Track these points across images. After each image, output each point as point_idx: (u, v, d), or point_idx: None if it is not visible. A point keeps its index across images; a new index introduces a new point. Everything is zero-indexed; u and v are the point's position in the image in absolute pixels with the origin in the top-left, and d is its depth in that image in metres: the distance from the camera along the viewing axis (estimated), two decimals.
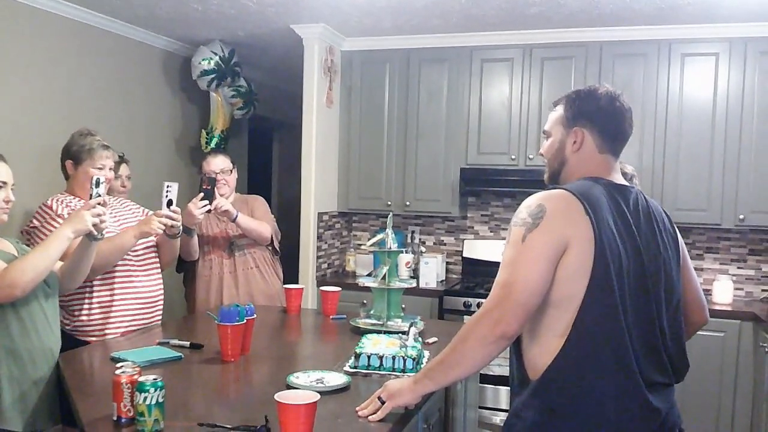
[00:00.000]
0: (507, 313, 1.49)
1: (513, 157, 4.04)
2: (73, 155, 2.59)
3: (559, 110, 1.71)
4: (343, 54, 4.36)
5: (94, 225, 2.16)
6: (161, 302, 2.74)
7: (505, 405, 3.81)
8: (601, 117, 1.65)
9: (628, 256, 1.53)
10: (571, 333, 1.49)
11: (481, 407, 3.69)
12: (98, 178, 2.25)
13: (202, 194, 2.87)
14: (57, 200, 2.55)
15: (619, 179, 1.67)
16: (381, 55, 4.28)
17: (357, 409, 1.72)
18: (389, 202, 4.28)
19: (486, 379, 3.75)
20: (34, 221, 2.52)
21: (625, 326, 1.50)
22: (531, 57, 4.01)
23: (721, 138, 3.73)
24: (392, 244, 2.67)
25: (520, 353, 1.61)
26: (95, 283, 2.53)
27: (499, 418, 3.81)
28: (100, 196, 2.22)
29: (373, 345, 2.17)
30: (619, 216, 1.56)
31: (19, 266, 1.98)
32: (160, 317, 2.75)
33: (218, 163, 3.23)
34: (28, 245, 2.51)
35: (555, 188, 1.60)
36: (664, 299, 1.60)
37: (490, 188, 4.26)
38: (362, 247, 4.59)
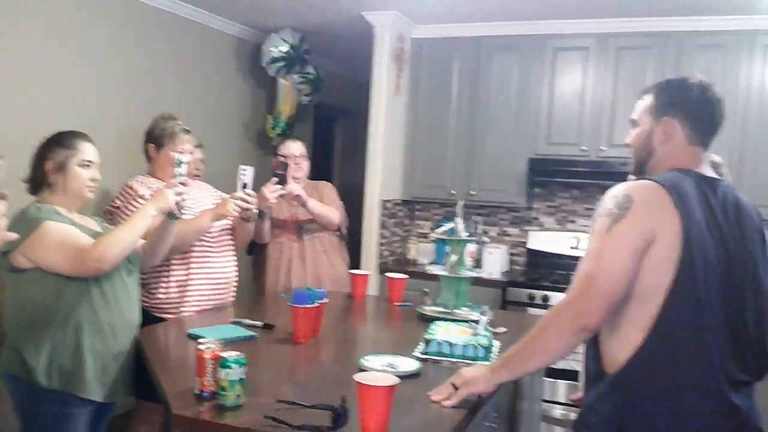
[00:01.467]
0: (589, 305, 1.47)
1: (584, 148, 3.95)
2: (156, 138, 2.68)
3: (648, 99, 1.66)
4: (414, 41, 4.35)
5: (176, 203, 2.23)
6: (235, 283, 2.82)
7: (562, 398, 3.76)
8: (692, 107, 1.61)
9: (716, 250, 1.49)
10: (654, 327, 1.46)
11: (541, 400, 3.65)
12: (180, 159, 2.32)
13: (275, 179, 2.92)
14: (139, 181, 2.64)
15: (709, 172, 1.62)
16: (452, 43, 4.25)
17: (430, 393, 1.73)
18: (453, 191, 4.26)
19: (546, 372, 3.71)
20: (117, 201, 2.62)
21: (710, 322, 1.47)
22: (607, 46, 3.91)
23: None
24: (462, 232, 2.66)
25: (598, 346, 1.59)
26: (173, 262, 2.61)
27: (559, 412, 3.76)
28: (182, 175, 2.29)
29: (443, 332, 2.17)
30: (707, 210, 1.52)
31: (107, 241, 2.07)
32: (234, 297, 2.82)
33: (296, 148, 3.29)
34: (110, 224, 2.61)
35: (642, 179, 1.56)
36: (749, 296, 1.55)
37: (559, 179, 4.19)
38: (431, 233, 4.58)
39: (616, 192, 1.54)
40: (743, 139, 3.66)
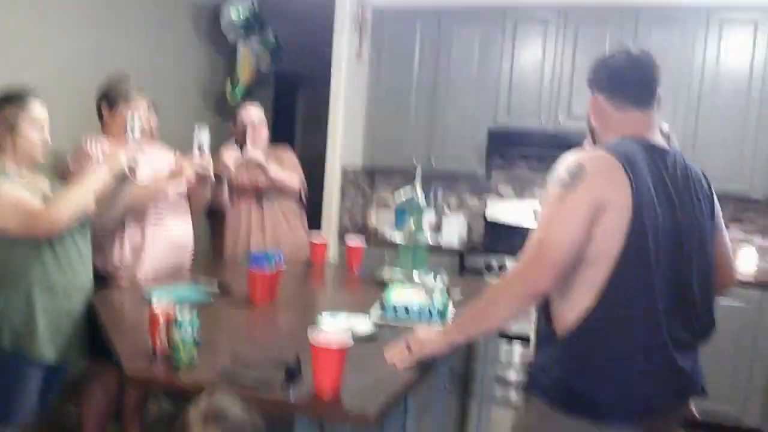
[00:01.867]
0: (539, 273, 1.51)
1: (543, 119, 4.01)
2: (109, 98, 2.61)
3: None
4: (374, 10, 4.31)
5: (129, 167, 2.19)
6: (191, 247, 2.80)
7: (518, 361, 3.85)
8: (614, 77, 1.64)
9: (665, 217, 1.54)
10: (604, 291, 1.50)
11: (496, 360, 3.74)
12: (134, 119, 2.27)
13: (234, 144, 2.89)
14: (92, 142, 2.58)
15: (657, 137, 1.66)
16: (412, 13, 4.22)
17: (385, 353, 1.76)
18: (414, 159, 4.27)
19: (501, 335, 3.79)
20: (70, 163, 2.56)
21: (658, 286, 1.52)
22: (566, 19, 3.94)
23: (756, 109, 3.67)
24: (421, 199, 2.68)
25: (549, 309, 1.63)
26: (128, 225, 2.58)
27: (513, 374, 3.86)
28: (136, 138, 2.25)
29: (399, 295, 2.20)
30: (657, 178, 1.56)
31: (58, 203, 2.02)
32: (190, 262, 2.80)
33: (256, 113, 3.24)
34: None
35: (595, 148, 1.60)
36: (695, 261, 1.61)
37: (518, 150, 4.24)
38: (390, 201, 4.60)
39: (568, 161, 1.56)
40: (697, 113, 3.75)
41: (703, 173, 1.72)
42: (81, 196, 2.07)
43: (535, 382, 1.63)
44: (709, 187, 1.71)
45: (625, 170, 1.50)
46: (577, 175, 1.52)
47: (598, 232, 1.49)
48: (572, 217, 1.50)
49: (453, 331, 1.72)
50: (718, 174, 3.66)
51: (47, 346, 2.09)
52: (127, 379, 1.62)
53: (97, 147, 2.56)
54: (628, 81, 1.64)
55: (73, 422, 2.96)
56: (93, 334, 2.29)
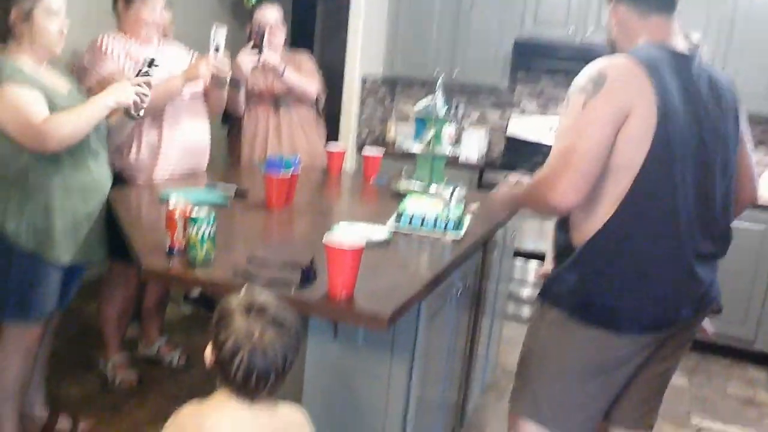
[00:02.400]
0: (565, 184, 1.47)
1: (571, 30, 3.85)
2: None
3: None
4: None
5: (135, 103, 2.15)
6: (207, 150, 2.78)
7: (532, 279, 3.89)
8: None
9: (690, 126, 1.51)
10: (625, 198, 1.49)
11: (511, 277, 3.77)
12: (153, 59, 2.22)
13: (251, 45, 2.81)
14: (108, 38, 2.52)
15: (681, 44, 1.60)
16: None
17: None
18: (436, 70, 4.16)
19: (517, 252, 3.81)
20: (84, 60, 2.51)
21: (681, 195, 1.50)
22: None
23: None
24: (441, 109, 2.62)
25: (567, 221, 1.62)
26: (145, 125, 2.55)
27: (526, 292, 3.91)
28: (149, 75, 2.19)
29: (415, 205, 2.18)
30: (682, 84, 1.52)
31: (58, 122, 1.97)
32: (206, 165, 2.79)
33: (272, 14, 3.12)
34: (79, 83, 2.52)
35: (617, 55, 1.55)
36: (719, 172, 1.58)
37: (544, 64, 4.10)
38: (413, 110, 4.50)
39: (590, 69, 1.53)
40: (730, 35, 3.58)
41: (730, 83, 1.66)
42: (81, 120, 2.02)
43: (552, 292, 1.65)
44: (735, 99, 1.65)
45: (649, 76, 1.46)
46: (599, 82, 1.48)
47: (622, 140, 1.47)
48: (597, 124, 1.46)
49: (513, 201, 1.83)
50: (746, 92, 3.58)
51: (65, 248, 2.09)
52: (145, 275, 1.64)
53: (113, 44, 2.51)
54: None
55: (93, 321, 3.06)
56: (112, 234, 2.32)
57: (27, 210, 2.01)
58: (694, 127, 1.51)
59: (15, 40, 2.02)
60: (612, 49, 1.66)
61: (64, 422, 2.38)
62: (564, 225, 1.64)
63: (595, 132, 1.46)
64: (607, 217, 1.51)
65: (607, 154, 1.47)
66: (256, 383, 1.18)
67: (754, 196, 1.77)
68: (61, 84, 2.14)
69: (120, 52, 2.50)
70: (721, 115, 1.58)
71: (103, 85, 2.37)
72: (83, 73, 2.49)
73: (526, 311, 3.92)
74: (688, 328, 1.70)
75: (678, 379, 2.87)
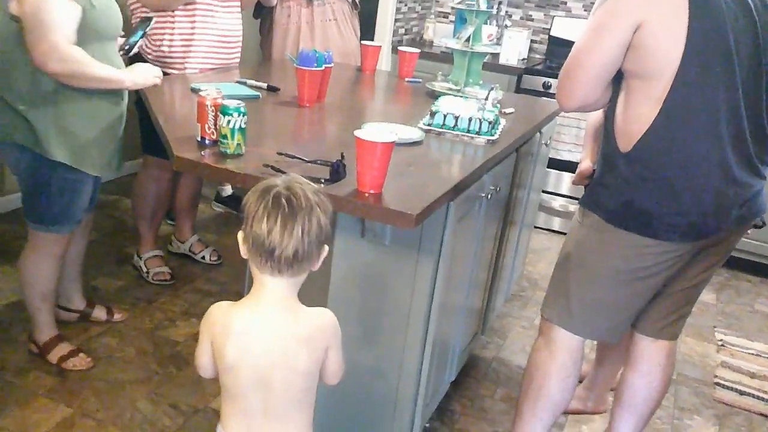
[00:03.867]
0: (574, 86, 1.55)
1: None
2: None
3: None
4: None
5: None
6: (239, 43, 2.72)
7: (565, 191, 3.84)
8: None
9: (739, 29, 1.43)
10: (664, 105, 1.45)
11: (542, 191, 3.73)
12: (150, 18, 2.19)
13: None
14: None
15: None
16: None
17: None
18: None
19: (552, 163, 3.74)
20: None
21: (724, 96, 1.44)
22: None
23: None
24: (482, 2, 2.49)
25: (612, 125, 1.57)
26: (177, 15, 2.50)
27: (558, 203, 3.87)
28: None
29: (449, 105, 2.13)
30: None
31: (76, 57, 1.87)
32: (238, 59, 2.75)
33: None
34: None
35: None
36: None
37: None
38: (449, 8, 4.34)
39: None
40: None
41: None
42: (93, 76, 1.92)
43: (593, 197, 1.66)
44: None
45: None
46: None
47: (647, 42, 1.43)
48: (612, 31, 1.46)
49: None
50: None
51: (98, 159, 2.08)
52: (177, 165, 1.65)
53: None
54: None
55: (128, 217, 3.14)
56: (145, 128, 2.30)
57: (63, 125, 1.97)
58: (747, 30, 1.43)
59: None
60: None
61: (99, 312, 2.49)
62: (609, 129, 1.59)
63: (607, 38, 1.47)
64: (649, 122, 1.47)
65: (616, 63, 1.48)
66: (279, 263, 1.17)
67: None
68: None
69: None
70: None
71: None
72: None
73: (556, 223, 3.89)
74: (725, 241, 1.67)
75: (705, 294, 2.86)
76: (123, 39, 2.20)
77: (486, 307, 2.41)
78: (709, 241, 1.61)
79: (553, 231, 3.88)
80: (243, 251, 1.22)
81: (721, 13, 1.41)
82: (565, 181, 3.82)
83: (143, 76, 2.09)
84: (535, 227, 3.60)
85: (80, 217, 2.15)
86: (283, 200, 1.15)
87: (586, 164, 1.89)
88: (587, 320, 1.72)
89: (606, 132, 1.61)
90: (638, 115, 1.49)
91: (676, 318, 1.82)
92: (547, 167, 3.68)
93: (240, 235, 1.21)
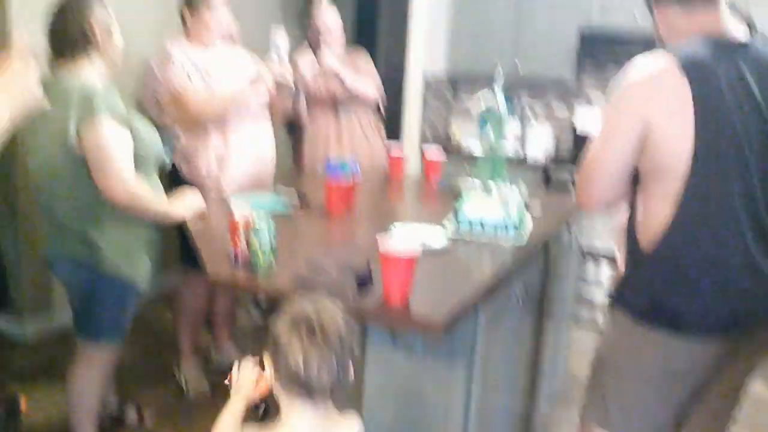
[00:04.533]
0: (591, 189, 1.58)
1: (639, 17, 3.70)
2: (190, 2, 2.62)
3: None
4: None
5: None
6: (273, 157, 2.84)
7: (605, 280, 3.78)
8: None
9: (743, 114, 1.44)
10: (680, 201, 1.45)
11: (580, 279, 3.69)
12: (275, 29, 2.47)
13: (310, 50, 2.85)
14: (174, 45, 2.62)
15: (733, 32, 1.52)
16: None
17: None
18: (499, 64, 4.09)
19: (588, 253, 3.71)
20: (154, 67, 2.61)
21: (739, 191, 1.44)
22: None
23: None
24: (501, 105, 2.57)
25: (634, 223, 1.58)
26: (212, 135, 2.64)
27: (599, 293, 3.80)
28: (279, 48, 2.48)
29: (475, 207, 2.16)
30: (735, 76, 1.45)
31: (138, 193, 1.97)
32: (272, 171, 2.86)
33: (331, 18, 3.16)
34: (147, 91, 2.59)
35: (658, 52, 1.50)
36: None
37: (611, 53, 3.97)
38: (471, 110, 4.47)
39: (622, 74, 1.52)
40: None
41: None
42: (149, 208, 2.02)
43: (620, 296, 1.64)
44: None
45: (685, 73, 1.42)
46: (629, 86, 1.49)
47: (658, 141, 1.45)
48: (620, 133, 1.49)
49: None
50: None
51: (145, 271, 2.14)
52: (212, 282, 1.70)
53: (179, 51, 2.60)
54: None
55: (168, 330, 3.18)
56: (185, 243, 2.38)
57: (119, 241, 2.05)
58: (752, 120, 1.44)
59: (86, 54, 1.95)
60: (662, 46, 1.61)
61: (131, 414, 2.52)
62: (630, 229, 1.60)
63: (616, 140, 1.50)
64: (667, 220, 1.48)
65: (630, 160, 1.49)
66: (313, 392, 1.19)
67: None
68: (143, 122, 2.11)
69: (185, 59, 2.59)
70: None
71: (174, 98, 2.47)
72: (152, 80, 2.59)
73: (600, 316, 3.81)
74: (763, 333, 1.61)
75: (761, 388, 2.71)
76: None
77: (529, 411, 2.34)
78: (744, 336, 1.56)
79: (598, 326, 3.78)
80: (271, 376, 1.23)
81: (726, 104, 1.43)
82: (603, 271, 3.77)
83: (192, 209, 2.15)
84: (579, 322, 3.52)
85: (127, 328, 2.20)
86: (317, 331, 1.17)
87: (622, 269, 1.88)
88: (626, 422, 1.66)
89: (628, 231, 1.61)
90: (656, 214, 1.50)
91: (724, 420, 1.74)
92: (584, 256, 3.66)
93: (267, 358, 1.23)
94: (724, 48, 1.48)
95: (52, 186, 2.02)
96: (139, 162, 2.01)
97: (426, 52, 4.08)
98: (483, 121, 2.68)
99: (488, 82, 4.30)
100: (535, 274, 2.15)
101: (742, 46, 1.50)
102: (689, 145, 1.42)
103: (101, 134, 1.89)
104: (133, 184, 1.95)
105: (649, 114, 1.44)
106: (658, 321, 1.53)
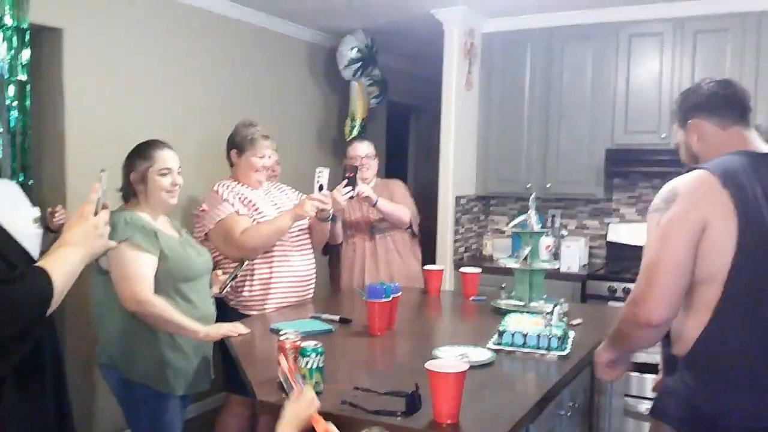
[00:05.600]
0: (654, 299, 1.50)
1: (663, 135, 3.83)
2: (237, 144, 2.82)
3: (675, 118, 1.75)
4: (484, 36, 4.34)
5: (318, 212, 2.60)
6: (314, 280, 2.92)
7: (649, 393, 3.65)
8: (709, 100, 1.66)
9: None
10: (717, 307, 1.48)
11: (626, 395, 3.58)
12: (319, 170, 2.66)
13: (345, 181, 3.00)
14: (223, 186, 2.79)
15: (763, 147, 1.63)
16: (522, 35, 4.22)
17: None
18: (529, 185, 4.23)
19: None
20: (204, 205, 2.77)
21: None
22: (683, 30, 3.78)
23: None
24: (535, 225, 2.65)
25: (669, 334, 1.60)
26: (256, 262, 2.74)
27: (645, 407, 3.66)
28: (322, 186, 2.68)
29: (516, 323, 2.18)
30: (764, 186, 1.51)
31: (153, 303, 2.18)
32: (312, 293, 2.93)
33: (363, 149, 3.37)
34: (198, 227, 2.77)
35: (692, 168, 1.59)
36: None
37: (638, 169, 4.08)
38: (503, 228, 4.57)
39: (663, 188, 1.59)
40: None
41: None
42: (167, 318, 2.19)
43: (660, 407, 1.64)
44: None
45: (724, 185, 1.49)
46: (671, 199, 1.54)
47: (705, 250, 1.49)
48: (674, 238, 1.51)
49: (608, 346, 1.75)
50: None
51: (179, 381, 2.27)
52: (260, 406, 1.72)
53: (228, 191, 2.76)
54: (726, 99, 1.65)
55: None
56: (228, 366, 2.44)
57: (144, 350, 2.21)
58: None
59: (135, 197, 2.31)
60: (694, 162, 1.69)
61: None
62: (666, 337, 1.61)
63: (674, 246, 1.50)
64: (703, 327, 1.50)
65: (690, 266, 1.49)
66: None
67: None
68: (174, 232, 2.38)
69: (234, 197, 2.74)
70: None
71: (221, 226, 2.62)
72: (203, 217, 2.74)
73: (646, 428, 3.66)
74: None
75: None
76: (224, 277, 2.53)
77: None
78: None
79: None
80: None
81: (762, 213, 1.48)
82: (647, 384, 3.65)
83: (219, 331, 2.27)
84: None
85: None
86: None
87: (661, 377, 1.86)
88: None
89: (665, 338, 1.62)
90: (692, 320, 1.52)
91: None
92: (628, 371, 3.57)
93: None
94: (755, 159, 1.56)
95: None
96: (171, 279, 2.25)
97: (456, 175, 4.23)
98: (518, 238, 2.76)
99: (519, 199, 4.46)
100: (582, 387, 2.12)
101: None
102: (730, 253, 1.46)
103: (120, 259, 2.17)
104: (145, 297, 2.16)
105: (702, 216, 1.48)
106: (701, 430, 1.52)
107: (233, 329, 2.28)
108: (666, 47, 3.83)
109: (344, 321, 2.49)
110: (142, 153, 2.29)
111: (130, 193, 2.31)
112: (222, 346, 2.38)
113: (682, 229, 1.50)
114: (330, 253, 3.47)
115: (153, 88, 3.48)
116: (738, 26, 3.63)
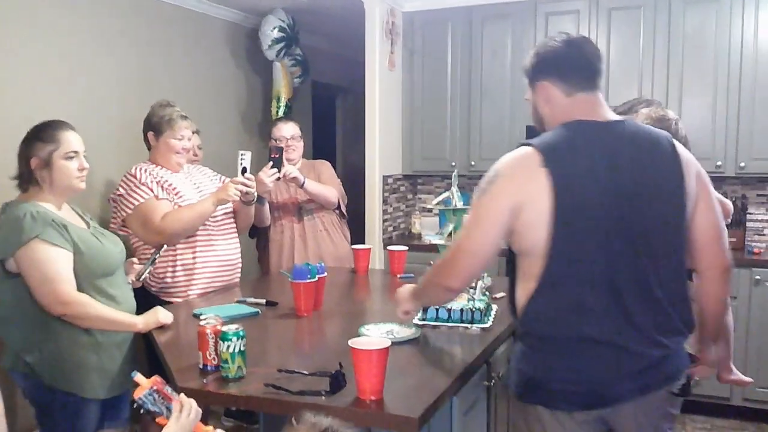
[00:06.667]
0: (451, 275, 1.67)
1: None
2: (154, 126, 2.72)
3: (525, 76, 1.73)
4: (405, 15, 4.34)
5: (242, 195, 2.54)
6: (239, 264, 2.88)
7: None
8: (558, 62, 1.64)
9: (607, 199, 1.52)
10: (541, 280, 1.54)
11: None
12: (242, 153, 2.60)
13: (271, 162, 2.96)
14: (140, 169, 2.69)
15: (606, 115, 1.62)
16: (442, 14, 4.24)
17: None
18: (453, 163, 4.28)
19: None
20: (120, 189, 2.67)
21: (598, 274, 1.51)
22: (598, 8, 3.89)
23: None
24: (458, 201, 2.69)
25: (514, 301, 1.66)
26: (179, 247, 2.67)
27: None
28: (245, 169, 2.63)
29: None
30: (602, 156, 1.54)
31: (79, 301, 2.06)
32: (238, 278, 2.89)
33: (288, 130, 3.32)
34: (114, 212, 2.67)
35: (523, 143, 1.61)
36: (659, 237, 1.56)
37: None
38: (428, 205, 4.62)
39: (491, 167, 1.61)
40: (738, 93, 3.63)
41: (668, 138, 1.63)
42: (97, 315, 2.09)
43: (507, 374, 1.74)
44: (680, 159, 1.61)
45: (545, 164, 1.51)
46: (492, 180, 1.58)
47: (521, 227, 1.54)
48: (485, 224, 1.58)
49: (413, 297, 1.96)
50: (764, 154, 3.62)
51: (97, 384, 2.12)
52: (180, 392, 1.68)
53: (146, 174, 2.66)
54: (573, 62, 1.63)
55: None
56: (152, 354, 2.36)
57: (57, 352, 2.06)
58: (615, 202, 1.52)
59: (37, 185, 2.10)
60: (540, 125, 1.71)
61: None
62: (510, 304, 1.69)
63: (479, 233, 1.59)
64: (531, 296, 1.56)
65: (495, 247, 1.59)
66: None
67: (721, 260, 1.67)
68: (81, 221, 2.22)
69: (153, 181, 2.65)
70: (661, 181, 1.57)
71: (139, 210, 2.52)
72: (119, 202, 2.64)
73: None
74: (638, 412, 1.59)
75: None
76: (140, 266, 2.40)
77: None
78: (614, 413, 1.58)
79: None
80: None
81: (592, 194, 1.51)
82: None
83: (156, 320, 2.18)
84: None
85: None
86: None
87: None
88: None
89: (510, 306, 1.69)
90: (523, 289, 1.59)
91: None
92: None
93: None
94: (598, 128, 1.58)
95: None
96: (91, 275, 2.11)
97: (383, 155, 4.24)
98: (443, 215, 2.79)
99: (445, 177, 4.51)
100: (504, 358, 2.18)
101: (611, 125, 1.60)
102: (546, 230, 1.50)
103: (34, 256, 2.01)
104: (68, 295, 2.03)
105: (517, 195, 1.53)
106: (531, 397, 1.60)
107: (169, 315, 2.21)
108: (582, 24, 3.93)
109: (271, 304, 2.47)
110: (43, 136, 2.08)
111: (29, 180, 2.10)
112: (145, 336, 2.31)
113: (490, 215, 1.56)
114: (258, 236, 3.42)
115: (65, 69, 3.27)
116: (650, 3, 3.76)
